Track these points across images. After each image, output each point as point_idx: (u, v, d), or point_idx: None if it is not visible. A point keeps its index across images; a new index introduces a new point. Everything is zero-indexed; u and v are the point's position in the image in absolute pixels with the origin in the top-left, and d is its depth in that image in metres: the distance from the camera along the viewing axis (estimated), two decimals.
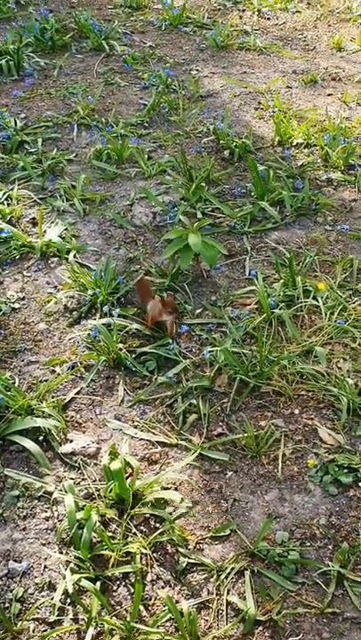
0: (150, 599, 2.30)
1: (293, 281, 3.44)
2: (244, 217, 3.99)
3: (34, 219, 3.99)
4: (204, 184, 4.17)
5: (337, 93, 5.43)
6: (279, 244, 3.83)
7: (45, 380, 3.04)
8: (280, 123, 4.72)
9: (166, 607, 2.23)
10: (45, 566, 2.39)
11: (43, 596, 2.32)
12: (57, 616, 2.26)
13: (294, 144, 4.70)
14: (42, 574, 2.37)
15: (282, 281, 3.47)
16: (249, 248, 3.80)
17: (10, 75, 5.60)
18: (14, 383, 3.00)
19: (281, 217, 4.01)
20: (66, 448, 2.77)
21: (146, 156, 4.53)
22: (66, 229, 3.89)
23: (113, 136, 4.66)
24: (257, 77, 5.67)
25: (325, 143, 4.59)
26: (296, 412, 2.91)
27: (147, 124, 4.95)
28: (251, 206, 4.06)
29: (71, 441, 2.81)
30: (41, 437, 2.79)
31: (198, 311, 3.38)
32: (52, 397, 2.95)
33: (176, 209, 4.01)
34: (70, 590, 2.28)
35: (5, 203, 4.07)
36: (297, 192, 4.16)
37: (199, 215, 3.97)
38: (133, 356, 3.12)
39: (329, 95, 5.41)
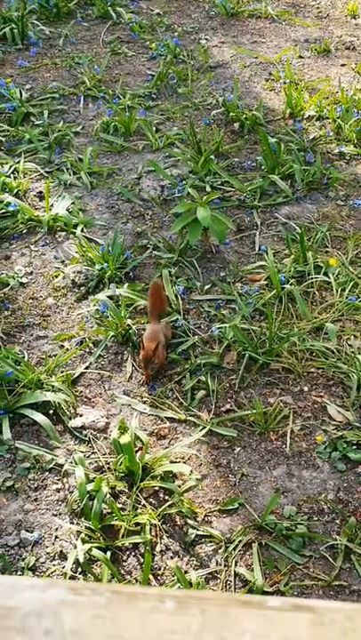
0: (159, 569, 2.34)
1: (304, 256, 3.42)
2: (254, 191, 3.95)
3: (40, 192, 3.97)
4: (213, 157, 4.13)
5: (351, 63, 5.33)
6: (290, 218, 3.80)
7: (54, 355, 3.05)
8: (291, 94, 4.64)
9: (175, 577, 2.27)
10: (56, 536, 2.43)
11: (54, 565, 2.35)
12: None
13: (306, 116, 4.63)
14: (53, 544, 2.41)
15: (292, 256, 3.44)
16: (259, 223, 3.77)
17: (14, 43, 5.52)
18: (24, 357, 3.02)
19: (292, 191, 3.96)
20: (75, 422, 2.80)
21: (154, 128, 4.48)
22: (73, 203, 3.87)
23: (120, 108, 4.61)
24: (268, 47, 5.57)
25: (338, 116, 4.52)
26: (305, 389, 2.91)
27: (155, 96, 4.89)
28: (261, 180, 4.02)
29: (81, 415, 2.83)
30: (51, 411, 2.81)
31: (207, 287, 3.37)
32: (62, 372, 2.97)
33: (184, 182, 3.98)
34: (81, 559, 2.31)
35: (12, 176, 4.05)
36: (308, 166, 4.10)
37: (208, 189, 3.94)
38: (142, 331, 3.12)
39: (342, 65, 5.31)
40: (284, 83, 4.97)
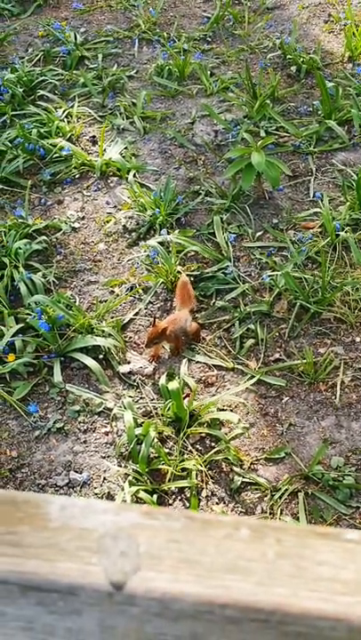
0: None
1: (360, 204, 3.32)
2: (310, 136, 3.83)
3: (94, 137, 3.93)
4: (268, 101, 4.00)
5: None
6: (346, 165, 3.68)
7: (105, 301, 3.06)
8: (351, 36, 4.44)
9: None
10: (105, 478, 2.48)
11: None
12: None
13: None
14: (101, 485, 2.46)
15: (348, 204, 3.34)
16: (314, 169, 3.66)
17: None
18: (75, 302, 3.04)
19: (349, 137, 3.82)
20: (124, 368, 2.82)
21: (208, 72, 4.36)
22: (125, 148, 3.82)
23: (175, 51, 4.49)
24: None
25: None
26: (357, 339, 2.86)
27: (210, 39, 4.74)
28: (317, 125, 3.88)
29: (129, 362, 2.85)
30: (100, 356, 2.84)
31: (259, 234, 3.31)
32: (112, 318, 2.98)
33: (239, 127, 3.88)
34: (128, 501, 2.36)
35: (65, 120, 4.01)
36: None
37: (263, 134, 3.83)
38: (192, 279, 3.10)
39: None
40: (344, 24, 4.75)
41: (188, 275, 3.08)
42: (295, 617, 0.50)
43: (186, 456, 2.50)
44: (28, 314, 2.92)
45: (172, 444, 2.55)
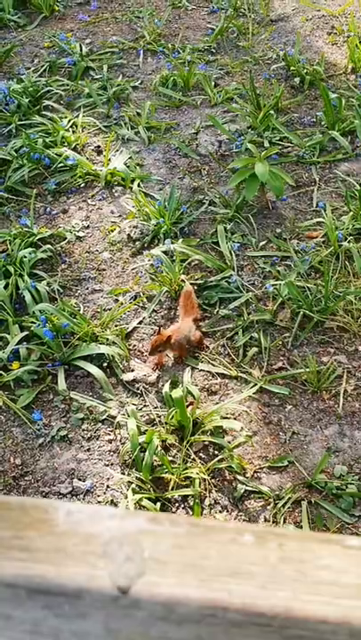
0: None
1: None
2: (313, 147, 3.86)
3: (98, 147, 3.96)
4: (272, 112, 4.03)
5: None
6: (349, 175, 3.70)
7: (109, 309, 3.08)
8: (355, 48, 4.47)
9: None
10: (108, 486, 2.49)
11: None
12: None
13: None
14: (105, 493, 2.47)
15: (351, 213, 3.36)
16: (317, 179, 3.69)
17: None
18: (79, 310, 3.06)
19: (352, 147, 3.85)
20: (128, 376, 2.83)
21: (213, 82, 4.40)
22: (130, 158, 3.85)
23: (179, 62, 4.53)
24: None
25: None
26: (360, 348, 2.87)
27: (214, 50, 4.78)
28: (320, 136, 3.91)
29: (133, 370, 2.86)
30: (105, 364, 2.85)
31: (262, 243, 3.33)
32: (116, 326, 3.00)
33: (243, 138, 3.91)
34: (132, 509, 2.37)
35: (70, 130, 4.04)
36: None
37: (266, 144, 3.86)
38: (196, 287, 3.11)
39: None
40: (348, 36, 4.79)
41: (191, 283, 3.09)
42: (297, 620, 0.51)
43: (189, 464, 2.50)
44: (32, 322, 2.94)
45: (175, 451, 2.56)
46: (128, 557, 0.54)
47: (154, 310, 3.08)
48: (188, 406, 2.62)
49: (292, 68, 4.45)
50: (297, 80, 4.39)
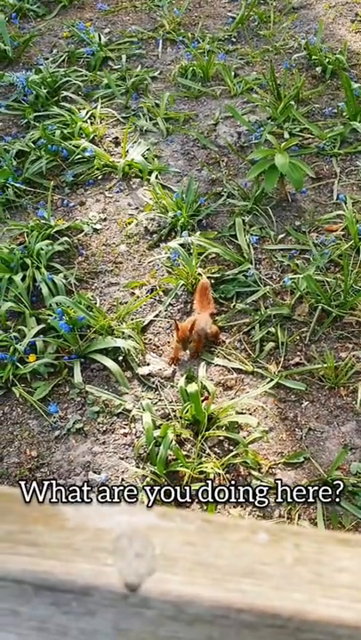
0: None
1: None
2: (334, 138, 3.79)
3: (116, 138, 3.94)
4: (292, 103, 3.98)
5: None
6: None
7: (125, 302, 3.06)
8: None
9: None
10: (123, 479, 2.48)
11: None
12: None
13: None
14: (119, 486, 2.46)
15: None
16: (338, 171, 3.63)
17: None
18: (96, 303, 3.05)
19: None
20: (143, 370, 2.82)
21: (233, 73, 4.35)
22: (148, 149, 3.82)
23: (199, 52, 4.49)
24: None
25: None
26: None
27: (234, 39, 4.73)
28: (342, 127, 3.85)
29: (148, 364, 2.84)
30: (120, 357, 2.84)
31: (281, 236, 3.29)
32: (132, 319, 2.98)
33: (262, 129, 3.86)
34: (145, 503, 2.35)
35: (88, 121, 4.02)
36: None
37: (286, 135, 3.81)
38: (213, 281, 3.09)
39: None
40: None
41: (208, 277, 3.06)
42: (313, 624, 0.49)
43: (204, 459, 2.48)
44: (49, 315, 2.93)
45: (190, 446, 2.54)
46: (138, 554, 0.52)
47: (170, 304, 3.06)
48: (203, 401, 2.60)
49: (313, 57, 4.38)
50: (318, 69, 4.33)
